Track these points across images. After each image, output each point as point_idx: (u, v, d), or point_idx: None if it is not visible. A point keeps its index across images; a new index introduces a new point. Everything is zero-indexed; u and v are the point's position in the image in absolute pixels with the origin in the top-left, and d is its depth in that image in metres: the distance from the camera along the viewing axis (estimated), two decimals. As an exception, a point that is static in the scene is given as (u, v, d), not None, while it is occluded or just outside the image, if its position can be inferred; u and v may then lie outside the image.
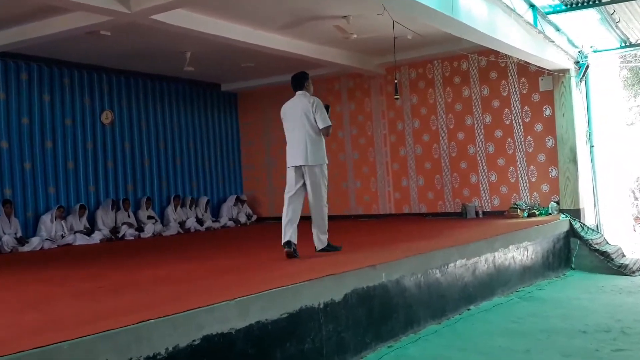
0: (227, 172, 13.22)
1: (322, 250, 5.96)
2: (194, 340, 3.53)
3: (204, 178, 12.65)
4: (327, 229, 5.87)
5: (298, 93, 5.88)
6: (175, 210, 11.55)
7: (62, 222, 9.79)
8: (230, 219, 12.32)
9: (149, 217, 11.07)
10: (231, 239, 9.66)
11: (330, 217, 11.66)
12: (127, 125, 11.28)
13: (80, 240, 9.76)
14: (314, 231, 5.91)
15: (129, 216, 10.78)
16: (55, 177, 10.15)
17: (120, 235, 10.36)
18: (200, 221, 11.76)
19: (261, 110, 13.24)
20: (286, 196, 5.77)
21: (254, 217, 12.82)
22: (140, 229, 10.71)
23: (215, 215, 12.42)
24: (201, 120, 12.71)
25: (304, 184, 5.77)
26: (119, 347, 3.15)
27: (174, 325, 3.44)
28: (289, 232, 5.60)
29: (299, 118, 5.69)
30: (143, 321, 3.33)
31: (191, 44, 9.38)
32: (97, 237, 9.97)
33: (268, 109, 13.17)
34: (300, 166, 5.74)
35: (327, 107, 5.85)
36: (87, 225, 10.18)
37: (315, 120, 5.67)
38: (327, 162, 5.79)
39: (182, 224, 11.41)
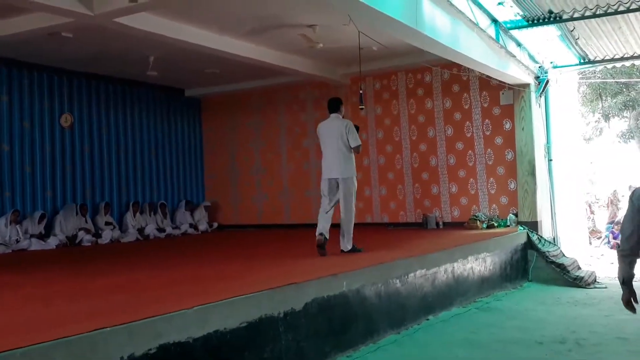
0: (189, 178, 13.09)
1: (348, 251, 6.74)
2: (150, 349, 3.49)
3: (164, 184, 12.50)
4: (351, 239, 6.74)
5: (332, 115, 6.82)
6: (134, 216, 11.39)
7: (17, 226, 9.56)
8: (191, 226, 12.20)
9: (107, 223, 10.88)
10: (191, 247, 9.56)
11: (292, 226, 12.03)
12: (86, 129, 11.09)
13: (36, 245, 9.54)
14: (342, 236, 6.76)
15: (86, 222, 10.59)
16: (11, 180, 9.91)
17: (77, 241, 10.16)
18: (160, 228, 11.62)
19: (225, 117, 13.17)
20: (324, 201, 6.74)
21: (215, 225, 12.73)
22: (97, 235, 10.53)
23: (176, 222, 12.28)
24: (163, 125, 12.58)
25: (337, 194, 6.70)
26: (74, 355, 3.09)
27: (130, 334, 3.40)
28: (321, 225, 6.58)
29: (334, 137, 6.61)
30: (98, 329, 3.28)
31: (155, 48, 9.29)
32: (53, 242, 9.76)
33: (232, 116, 13.11)
34: (335, 178, 6.67)
35: (357, 128, 6.79)
36: (42, 231, 9.96)
37: (348, 140, 6.60)
38: (355, 174, 6.71)
39: (141, 230, 11.26)
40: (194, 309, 3.87)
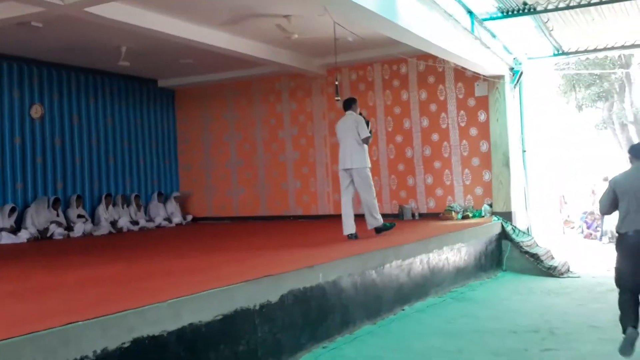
0: (163, 170, 12.98)
1: (378, 229, 7.47)
2: (124, 343, 3.47)
3: (137, 176, 12.38)
4: (376, 214, 7.43)
5: (347, 112, 7.60)
6: (107, 209, 11.27)
7: (-14, 220, 9.41)
8: (165, 219, 12.12)
9: (79, 216, 10.75)
10: (165, 240, 9.51)
11: (269, 218, 12.03)
12: (57, 120, 10.92)
13: (6, 239, 9.40)
14: (366, 215, 7.48)
15: (58, 215, 10.46)
16: (-21, 173, 9.75)
17: (48, 234, 10.04)
18: (133, 221, 11.52)
19: (200, 108, 13.08)
20: (342, 193, 7.55)
21: (189, 218, 12.68)
22: (69, 228, 10.41)
23: (150, 214, 12.19)
24: (136, 116, 12.45)
25: (352, 182, 7.41)
26: (45, 350, 3.07)
27: (103, 328, 3.38)
28: (348, 224, 7.35)
29: (348, 131, 7.37)
30: (70, 323, 3.25)
31: (127, 38, 9.18)
32: (24, 236, 9.62)
33: (207, 107, 13.02)
34: (348, 169, 7.40)
35: (367, 122, 7.49)
36: (13, 224, 9.81)
37: (359, 133, 7.31)
38: (369, 165, 7.40)
39: (113, 223, 11.15)
40: (168, 302, 3.85)
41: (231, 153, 12.81)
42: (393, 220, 8.86)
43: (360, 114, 7.75)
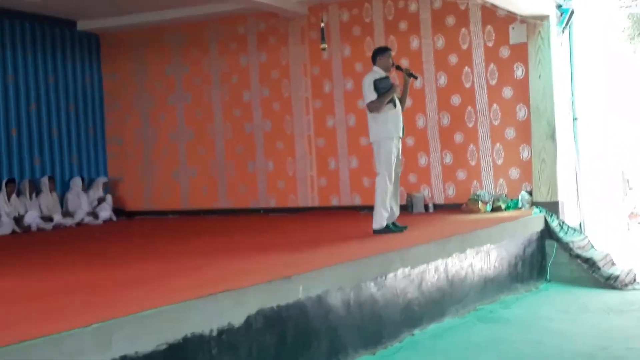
0: (85, 146, 12.93)
1: (378, 231, 7.70)
2: (31, 384, 3.47)
3: (50, 155, 12.31)
4: (386, 208, 7.73)
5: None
6: (9, 200, 11.20)
7: None
8: (88, 214, 12.06)
9: (-29, 209, 10.68)
10: (89, 242, 9.47)
11: (232, 211, 12.08)
12: (-62, 77, 10.84)
13: None
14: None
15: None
16: None
17: None
18: (45, 216, 11.45)
19: (134, 60, 13.02)
20: None
21: (121, 211, 12.72)
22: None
23: (68, 207, 12.12)
24: (47, 71, 12.32)
25: None
26: None
27: (3, 362, 3.37)
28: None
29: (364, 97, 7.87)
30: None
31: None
32: None
33: (144, 58, 12.95)
34: (371, 143, 7.94)
35: (382, 79, 7.77)
36: None
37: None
38: (389, 136, 7.73)
39: (18, 220, 11.08)
40: (93, 326, 3.85)
41: (178, 121, 12.79)
42: (402, 219, 8.82)
43: (396, 66, 8.07)
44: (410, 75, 8.00)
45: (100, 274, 6.08)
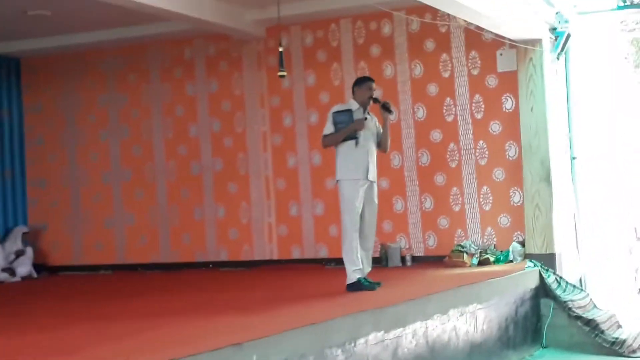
0: (1, 189, 12.80)
1: (351, 287, 7.76)
2: None
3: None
4: (356, 260, 7.78)
5: None
6: None
7: None
8: (4, 270, 11.81)
9: None
10: (3, 303, 9.24)
11: (176, 265, 11.99)
12: None
13: None
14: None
15: None
16: None
17: None
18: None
19: (61, 88, 12.97)
20: None
21: (44, 267, 12.54)
22: None
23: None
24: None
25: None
26: None
27: None
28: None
29: None
30: None
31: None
32: None
33: (73, 86, 12.89)
34: None
35: (342, 112, 8.00)
36: None
37: None
38: (350, 177, 7.87)
39: None
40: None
41: (112, 160, 12.69)
42: (376, 274, 8.72)
43: (372, 98, 8.10)
44: (384, 107, 8.06)
45: (9, 342, 5.87)
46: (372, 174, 7.90)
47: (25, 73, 13.20)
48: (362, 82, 8.21)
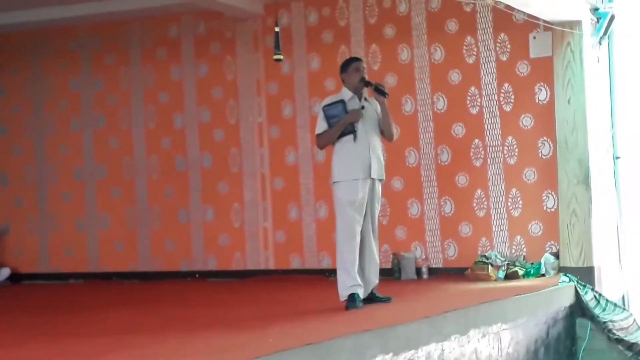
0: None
1: (348, 306, 7.66)
2: None
3: None
4: (351, 270, 7.68)
5: None
6: None
7: None
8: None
9: None
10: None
11: (157, 275, 12.15)
12: None
13: None
14: None
15: None
16: None
17: None
18: None
19: (28, 70, 13.03)
20: None
21: (6, 273, 12.58)
22: None
23: None
24: None
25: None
26: None
27: None
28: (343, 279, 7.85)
29: None
30: None
31: None
32: None
33: (42, 68, 12.95)
34: None
35: (332, 105, 7.94)
36: None
37: None
38: (344, 179, 7.83)
39: None
40: None
41: (85, 153, 12.70)
42: (385, 288, 8.68)
43: (364, 82, 8.00)
44: (377, 90, 7.94)
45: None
46: (377, 171, 7.83)
47: (-10, 52, 13.27)
48: (346, 65, 8.13)
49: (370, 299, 7.83)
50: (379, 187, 7.93)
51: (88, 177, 12.63)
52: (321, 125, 7.91)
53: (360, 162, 7.73)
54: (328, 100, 8.06)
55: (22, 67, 12.99)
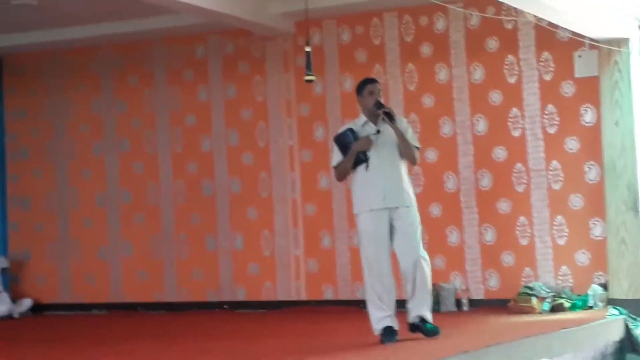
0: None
1: (383, 340, 7.68)
2: None
3: None
4: (377, 302, 7.74)
5: None
6: None
7: None
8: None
9: None
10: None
11: (184, 305, 12.16)
12: None
13: None
14: None
15: None
16: None
17: None
18: None
19: (49, 91, 13.09)
20: None
21: (27, 304, 12.54)
22: None
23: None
24: None
25: None
26: None
27: None
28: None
29: None
30: None
31: None
32: None
33: (63, 89, 13.00)
34: None
35: (341, 135, 7.98)
36: None
37: None
38: (361, 210, 7.93)
39: None
40: None
41: (108, 178, 12.77)
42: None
43: (377, 104, 7.91)
44: (386, 115, 7.82)
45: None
46: (393, 199, 7.75)
47: (8, 73, 13.33)
48: (361, 88, 8.08)
49: (418, 327, 7.77)
50: (408, 213, 7.78)
51: (111, 203, 12.67)
52: (336, 157, 7.96)
53: (374, 191, 7.75)
54: (341, 129, 8.08)
55: (43, 88, 13.06)
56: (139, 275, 12.49)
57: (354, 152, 7.73)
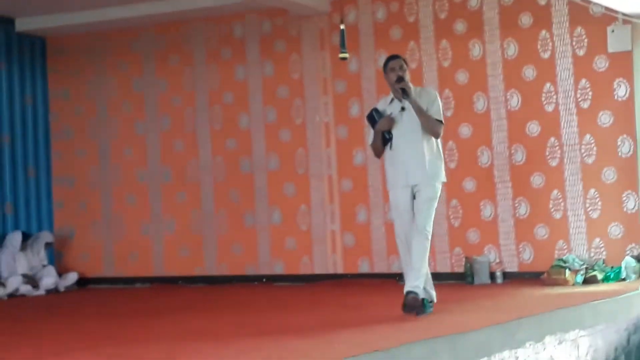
0: (23, 188, 12.93)
1: (416, 310, 7.66)
2: None
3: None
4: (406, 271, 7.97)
5: None
6: None
7: None
8: (26, 282, 11.97)
9: None
10: (17, 322, 9.32)
11: (224, 279, 12.24)
12: None
13: None
14: None
15: None
16: None
17: None
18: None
19: (91, 71, 13.13)
20: None
21: (72, 278, 12.58)
22: None
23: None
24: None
25: None
26: None
27: None
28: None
29: None
30: None
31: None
32: None
33: (104, 69, 13.06)
34: None
35: (370, 114, 8.05)
36: None
37: None
38: (389, 186, 8.18)
39: None
40: None
41: (149, 156, 12.87)
42: (458, 292, 8.70)
43: (397, 78, 7.87)
44: (402, 91, 7.84)
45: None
46: (415, 177, 7.82)
47: (51, 54, 13.36)
48: (385, 65, 8.13)
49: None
50: (426, 189, 7.80)
51: (153, 180, 12.75)
52: (370, 136, 8.18)
53: (397, 169, 7.90)
54: (376, 105, 8.28)
55: (85, 68, 13.09)
56: (180, 250, 12.55)
57: (378, 131, 7.90)
